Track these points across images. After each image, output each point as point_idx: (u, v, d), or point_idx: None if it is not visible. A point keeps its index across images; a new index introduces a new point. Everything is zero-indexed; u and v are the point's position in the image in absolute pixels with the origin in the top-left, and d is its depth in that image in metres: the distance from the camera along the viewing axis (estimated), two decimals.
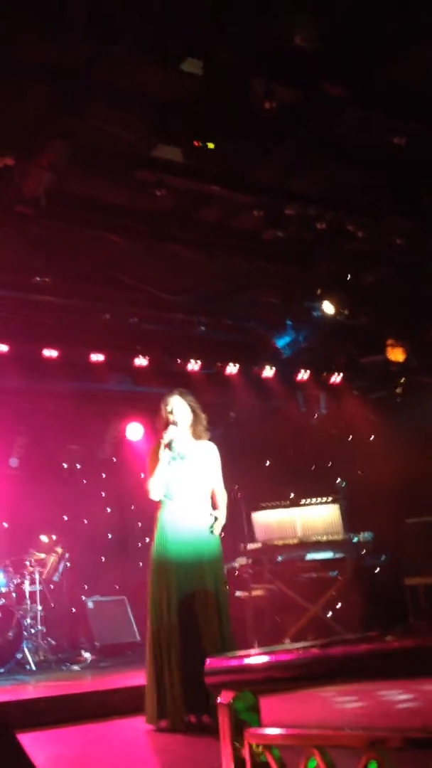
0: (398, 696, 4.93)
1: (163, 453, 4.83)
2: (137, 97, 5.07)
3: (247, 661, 1.79)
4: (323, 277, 7.58)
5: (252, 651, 1.83)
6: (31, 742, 4.38)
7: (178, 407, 4.96)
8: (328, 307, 7.77)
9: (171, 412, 4.92)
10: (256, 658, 1.76)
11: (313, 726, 1.66)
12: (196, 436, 5.01)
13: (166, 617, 4.64)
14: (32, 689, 6.64)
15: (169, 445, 4.84)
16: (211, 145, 5.01)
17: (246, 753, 1.77)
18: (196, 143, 5.04)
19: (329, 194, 6.28)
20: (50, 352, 8.58)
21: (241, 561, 8.89)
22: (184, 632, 4.59)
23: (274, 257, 7.19)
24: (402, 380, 9.73)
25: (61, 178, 5.76)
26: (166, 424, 4.91)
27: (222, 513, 4.93)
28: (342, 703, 4.94)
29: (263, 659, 1.73)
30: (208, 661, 1.91)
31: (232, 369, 9.54)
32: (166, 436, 4.85)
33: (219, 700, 1.83)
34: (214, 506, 4.95)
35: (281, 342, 9.09)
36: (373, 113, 5.28)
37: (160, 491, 4.83)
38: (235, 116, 5.17)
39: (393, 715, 4.47)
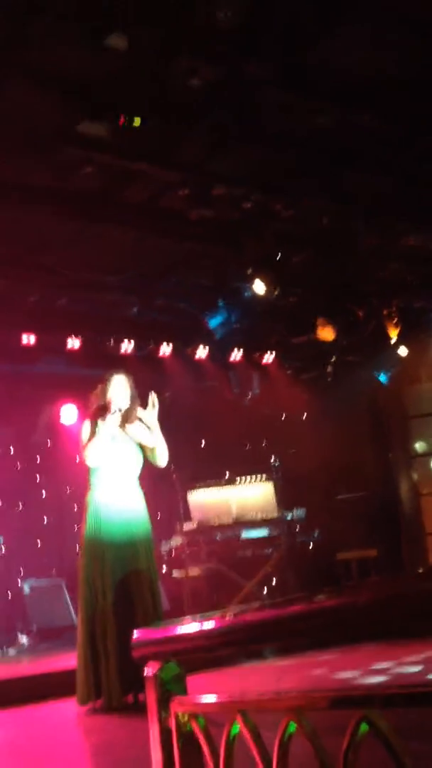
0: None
1: (111, 417, 4.78)
2: (60, 73, 4.99)
3: (171, 632, 1.81)
4: (252, 257, 7.60)
5: (177, 622, 1.86)
6: None
7: (121, 388, 4.93)
8: (258, 287, 7.81)
9: (113, 391, 4.88)
10: (181, 628, 1.79)
11: (238, 693, 1.70)
12: (130, 420, 5.00)
13: (101, 598, 4.64)
14: None
15: (115, 411, 4.80)
16: (137, 122, 4.96)
17: (172, 723, 1.79)
18: (121, 119, 4.99)
19: (255, 174, 6.30)
20: None
21: (177, 541, 8.94)
22: (119, 613, 4.60)
23: (202, 237, 7.19)
24: (332, 359, 9.87)
25: None
26: (105, 405, 4.87)
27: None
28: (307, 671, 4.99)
29: (187, 629, 1.75)
30: (135, 634, 1.93)
31: (165, 350, 9.53)
32: (115, 404, 4.81)
33: (145, 672, 1.85)
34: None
35: (214, 322, 9.10)
36: (295, 94, 5.30)
37: (98, 458, 4.79)
38: (159, 93, 5.14)
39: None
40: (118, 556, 4.70)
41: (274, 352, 9.96)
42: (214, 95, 5.15)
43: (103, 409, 4.88)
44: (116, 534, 4.73)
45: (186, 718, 1.76)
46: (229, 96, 5.19)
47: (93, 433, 4.80)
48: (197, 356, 9.71)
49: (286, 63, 5.00)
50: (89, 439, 4.79)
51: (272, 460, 9.05)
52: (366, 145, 6.10)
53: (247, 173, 6.30)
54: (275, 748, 1.48)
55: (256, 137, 5.77)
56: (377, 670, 4.83)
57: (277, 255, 7.54)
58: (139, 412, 4.93)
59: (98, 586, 4.66)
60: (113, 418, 4.81)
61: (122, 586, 4.65)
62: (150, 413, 4.91)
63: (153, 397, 4.94)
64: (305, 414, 10.67)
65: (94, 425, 4.84)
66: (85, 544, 4.79)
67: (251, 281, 7.82)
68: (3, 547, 9.26)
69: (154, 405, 4.92)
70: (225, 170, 6.26)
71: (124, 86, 5.17)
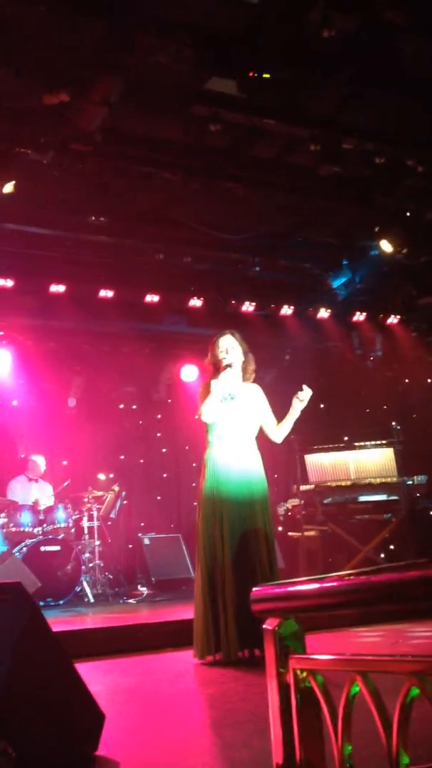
0: None
1: (223, 375, 4.81)
2: (190, 28, 4.94)
3: (291, 588, 1.80)
4: (381, 214, 7.38)
5: (297, 579, 1.84)
6: (87, 670, 4.53)
7: (232, 348, 4.95)
8: (386, 246, 7.59)
9: (226, 352, 4.91)
10: (302, 585, 1.77)
11: (358, 653, 1.67)
12: (246, 378, 5.02)
13: (220, 554, 4.70)
14: (90, 621, 6.85)
15: (228, 366, 4.83)
16: (266, 76, 4.86)
17: (290, 679, 1.78)
18: (250, 74, 4.90)
19: (387, 128, 6.07)
20: (106, 293, 8.63)
21: (293, 502, 8.94)
22: (238, 569, 4.65)
23: (330, 194, 7.03)
24: None
25: (115, 115, 5.68)
26: (217, 365, 4.90)
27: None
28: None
29: (308, 586, 1.73)
30: (254, 589, 1.93)
31: (286, 310, 9.46)
32: (227, 360, 4.85)
33: (264, 626, 1.84)
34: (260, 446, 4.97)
35: (337, 282, 8.94)
36: None
37: (212, 415, 4.84)
38: (291, 46, 5.00)
39: None
40: (236, 514, 4.75)
41: (399, 314, 9.70)
42: (348, 46, 4.97)
43: (215, 369, 4.92)
44: (234, 492, 4.77)
45: (304, 675, 1.75)
46: (364, 46, 4.99)
47: (207, 391, 4.85)
48: (319, 316, 9.58)
49: (423, 7, 4.74)
50: (204, 397, 4.85)
51: (393, 425, 8.85)
52: None
53: (379, 127, 6.08)
54: (396, 711, 1.45)
55: (390, 88, 5.54)
56: None
57: (408, 212, 7.29)
58: (294, 401, 4.91)
59: (217, 542, 4.72)
60: (225, 376, 4.83)
61: (240, 543, 4.70)
62: (300, 404, 4.90)
63: (307, 393, 4.91)
64: (430, 378, 10.37)
65: (208, 384, 4.89)
66: (203, 501, 4.85)
67: (378, 240, 7.60)
68: (125, 501, 9.54)
69: (303, 400, 4.89)
70: (356, 125, 6.06)
71: (255, 40, 5.06)
